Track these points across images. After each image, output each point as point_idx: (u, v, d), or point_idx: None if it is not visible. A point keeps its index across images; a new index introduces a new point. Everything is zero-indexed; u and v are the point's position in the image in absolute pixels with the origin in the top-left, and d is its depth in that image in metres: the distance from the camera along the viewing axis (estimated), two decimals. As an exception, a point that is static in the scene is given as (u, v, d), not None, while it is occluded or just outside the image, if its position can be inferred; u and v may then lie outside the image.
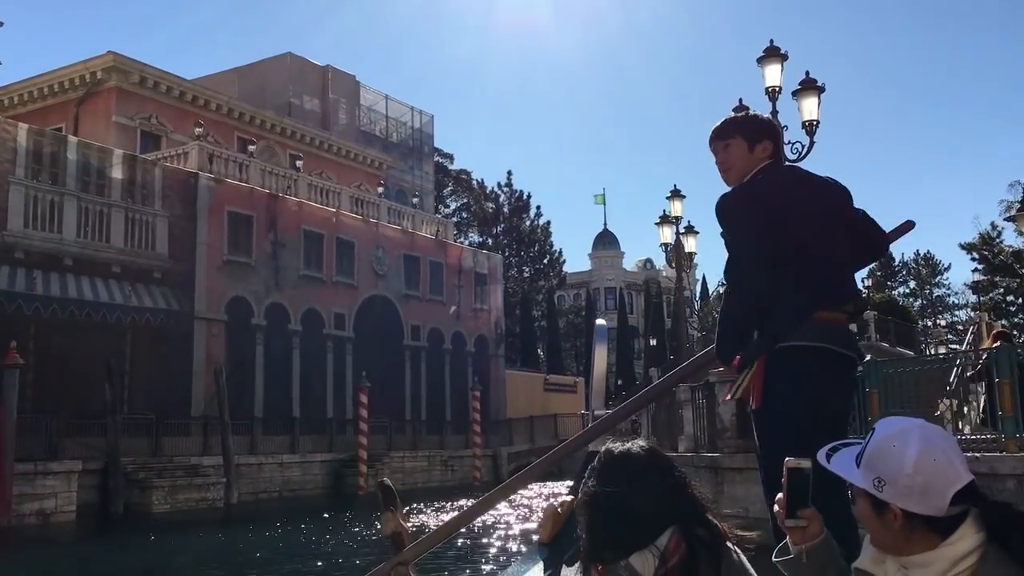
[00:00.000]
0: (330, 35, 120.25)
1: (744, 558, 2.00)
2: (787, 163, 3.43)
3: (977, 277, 56.57)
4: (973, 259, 60.94)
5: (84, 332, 25.76)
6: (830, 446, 1.85)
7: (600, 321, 4.90)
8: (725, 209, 3.02)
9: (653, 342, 58.31)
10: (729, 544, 1.99)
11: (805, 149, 13.57)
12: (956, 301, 74.56)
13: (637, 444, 2.08)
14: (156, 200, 28.52)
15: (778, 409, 2.83)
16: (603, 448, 2.12)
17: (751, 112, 3.36)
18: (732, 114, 3.27)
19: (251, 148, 33.89)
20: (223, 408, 27.21)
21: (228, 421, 27.21)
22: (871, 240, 3.18)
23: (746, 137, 3.14)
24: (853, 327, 3.37)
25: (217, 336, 29.87)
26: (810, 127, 13.53)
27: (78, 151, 26.75)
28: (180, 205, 29.21)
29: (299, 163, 36.00)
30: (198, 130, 31.82)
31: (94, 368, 24.93)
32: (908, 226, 3.39)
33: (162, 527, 22.81)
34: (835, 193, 3.09)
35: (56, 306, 25.39)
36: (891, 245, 3.38)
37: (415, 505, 25.67)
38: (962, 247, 61.09)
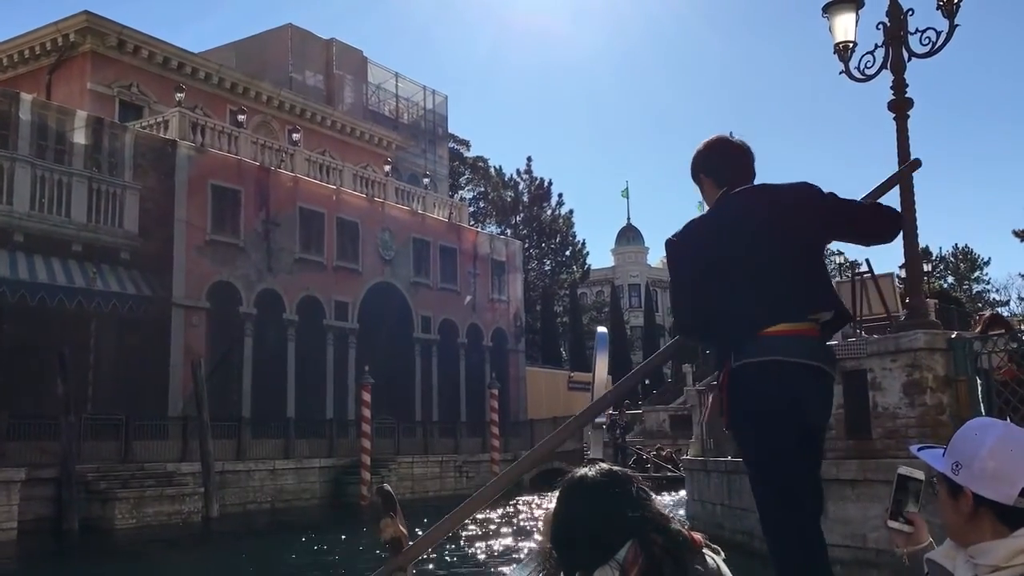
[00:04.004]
0: (339, 25, 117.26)
1: (723, 564, 2.01)
2: (740, 188, 3.16)
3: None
4: (1029, 247, 57.58)
5: (38, 319, 22.30)
6: (919, 446, 1.94)
7: (601, 329, 3.99)
8: (665, 252, 3.26)
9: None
10: (706, 552, 1.99)
11: (941, 37, 9.76)
12: (997, 298, 70.63)
13: (595, 468, 2.09)
14: (126, 170, 24.96)
15: (741, 424, 2.96)
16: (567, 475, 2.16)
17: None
18: None
19: (241, 118, 30.27)
20: (202, 407, 23.68)
21: (207, 422, 23.67)
22: (852, 226, 3.16)
23: (695, 180, 3.33)
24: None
25: (198, 326, 26.29)
26: (949, 7, 9.72)
27: (33, 111, 23.25)
28: (155, 176, 25.66)
29: (296, 135, 32.40)
30: (179, 95, 28.27)
31: (51, 361, 21.42)
32: (915, 164, 4.12)
33: (121, 547, 19.40)
34: (788, 207, 3.05)
35: (5, 289, 21.91)
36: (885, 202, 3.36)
37: (425, 519, 22.05)
38: (1016, 234, 57.93)
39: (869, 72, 10.36)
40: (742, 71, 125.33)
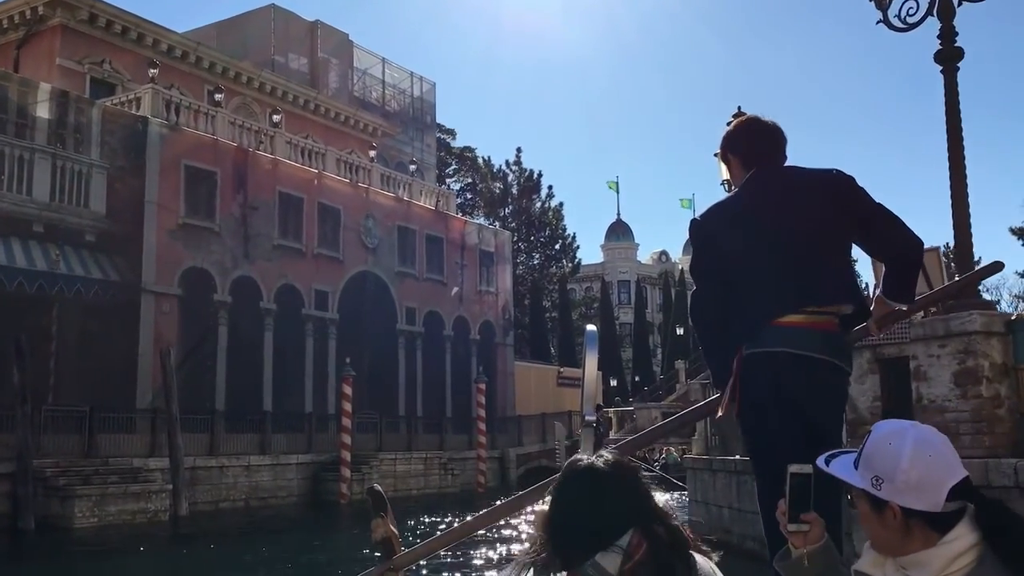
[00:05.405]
0: (324, 17, 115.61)
1: (715, 566, 1.98)
2: (766, 170, 3.02)
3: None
4: (1025, 245, 56.79)
5: (-5, 304, 20.89)
6: (829, 453, 1.89)
7: (590, 327, 3.81)
8: (689, 235, 3.16)
9: (680, 331, 53.23)
10: (696, 555, 1.96)
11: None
12: (988, 297, 69.88)
13: (603, 458, 2.06)
14: (93, 147, 23.55)
15: (748, 413, 2.87)
16: (569, 461, 2.13)
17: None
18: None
19: (218, 97, 28.87)
20: (171, 399, 22.33)
21: (177, 415, 22.32)
22: (879, 241, 2.97)
23: (723, 161, 3.29)
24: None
25: (169, 313, 24.91)
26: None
27: (-9, 82, 21.86)
28: (124, 155, 24.26)
29: (277, 117, 30.98)
30: (152, 71, 26.85)
31: (7, 348, 20.04)
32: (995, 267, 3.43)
33: (80, 547, 18.01)
34: (814, 192, 2.91)
35: (-41, 271, 20.54)
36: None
37: (409, 521, 20.85)
38: (1013, 232, 57.07)
39: (911, 20, 9.12)
40: (734, 68, 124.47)
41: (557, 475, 2.15)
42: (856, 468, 1.79)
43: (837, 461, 1.86)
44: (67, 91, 24.40)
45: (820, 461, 1.88)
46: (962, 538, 1.67)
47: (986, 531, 1.68)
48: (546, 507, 2.08)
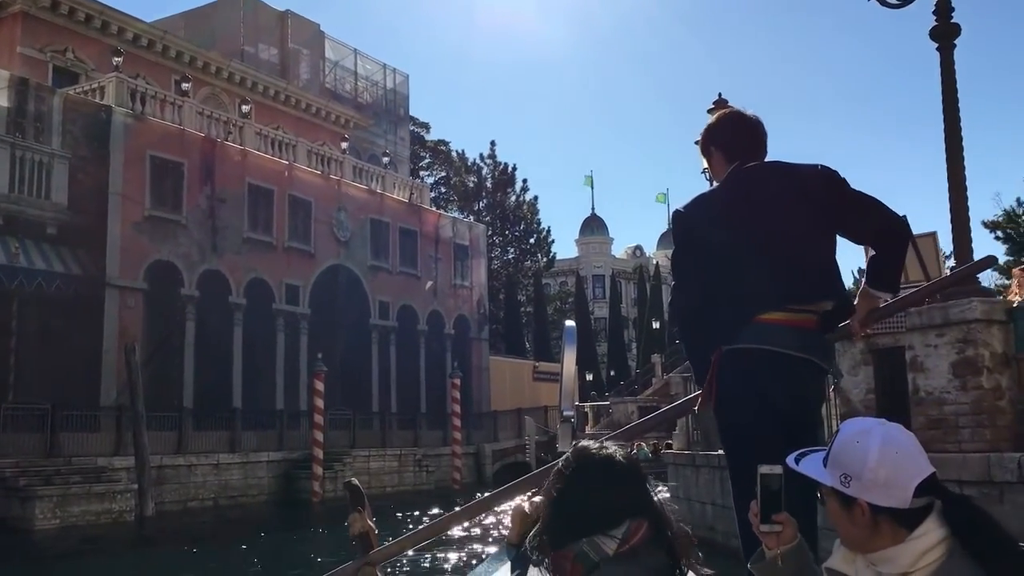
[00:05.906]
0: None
1: None
2: (751, 164, 2.98)
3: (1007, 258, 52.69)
4: (997, 238, 57.06)
5: (-48, 298, 20.18)
6: (799, 452, 1.90)
7: (569, 323, 4.03)
8: (671, 226, 3.26)
9: (655, 325, 52.94)
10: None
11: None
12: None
13: (617, 451, 2.08)
14: (54, 136, 22.83)
15: (725, 409, 2.85)
16: (578, 446, 2.12)
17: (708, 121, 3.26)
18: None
19: (185, 86, 28.16)
20: (136, 396, 21.72)
21: (142, 412, 21.70)
22: (862, 229, 2.91)
23: (704, 153, 3.18)
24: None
25: (134, 308, 24.24)
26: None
27: (-53, 69, 21.10)
28: (87, 145, 23.56)
29: (246, 108, 30.31)
30: (116, 60, 26.10)
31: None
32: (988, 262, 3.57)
33: (40, 550, 17.41)
34: (801, 187, 2.87)
35: (-87, 264, 19.81)
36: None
37: (384, 518, 20.32)
38: (985, 225, 57.19)
39: (906, -5, 8.76)
40: (709, 61, 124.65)
41: (565, 459, 2.10)
42: (825, 466, 1.80)
43: (807, 459, 1.87)
44: (27, 79, 23.65)
45: (790, 460, 1.88)
46: (930, 534, 1.69)
47: (954, 526, 1.69)
48: (551, 491, 2.07)
